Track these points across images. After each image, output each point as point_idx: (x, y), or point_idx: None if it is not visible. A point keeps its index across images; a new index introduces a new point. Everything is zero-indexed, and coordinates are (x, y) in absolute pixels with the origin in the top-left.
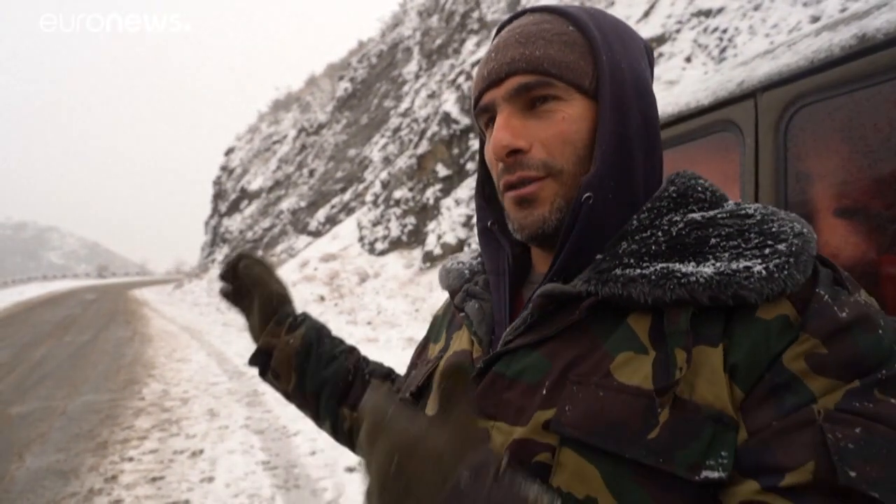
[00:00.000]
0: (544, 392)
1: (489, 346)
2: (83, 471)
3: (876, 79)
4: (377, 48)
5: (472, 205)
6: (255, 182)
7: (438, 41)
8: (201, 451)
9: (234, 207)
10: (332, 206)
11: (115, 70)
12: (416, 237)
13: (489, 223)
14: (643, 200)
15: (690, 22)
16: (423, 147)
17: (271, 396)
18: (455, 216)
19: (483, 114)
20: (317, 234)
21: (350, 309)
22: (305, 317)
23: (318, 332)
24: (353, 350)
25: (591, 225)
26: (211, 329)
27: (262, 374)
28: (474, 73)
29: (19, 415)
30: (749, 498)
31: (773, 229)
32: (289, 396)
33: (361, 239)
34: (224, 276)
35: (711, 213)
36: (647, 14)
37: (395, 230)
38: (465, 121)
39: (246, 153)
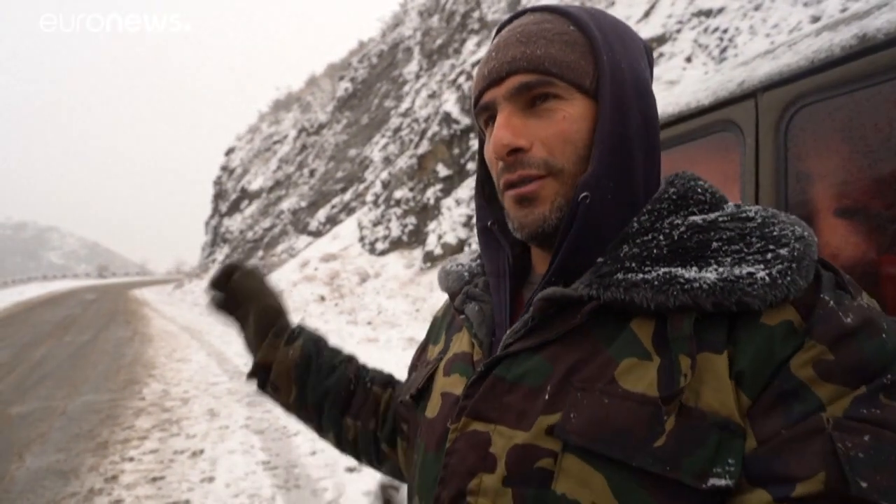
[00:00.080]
0: (547, 397)
1: (489, 349)
2: (83, 471)
3: (876, 79)
4: (378, 48)
5: (473, 205)
6: (256, 182)
7: (439, 41)
8: (202, 451)
9: (234, 207)
10: (333, 206)
11: (115, 70)
12: (416, 237)
13: (489, 223)
14: (643, 201)
15: (691, 22)
16: (424, 147)
17: None
18: (455, 216)
19: (483, 112)
20: (317, 234)
21: (350, 309)
22: (302, 328)
23: (317, 344)
24: (351, 359)
25: (588, 225)
26: (211, 329)
27: (262, 388)
28: (475, 72)
29: (19, 415)
30: None
31: (775, 233)
32: (289, 409)
33: (362, 239)
34: (216, 285)
35: (713, 216)
36: (647, 14)
37: (395, 230)
38: (466, 121)
39: (246, 153)
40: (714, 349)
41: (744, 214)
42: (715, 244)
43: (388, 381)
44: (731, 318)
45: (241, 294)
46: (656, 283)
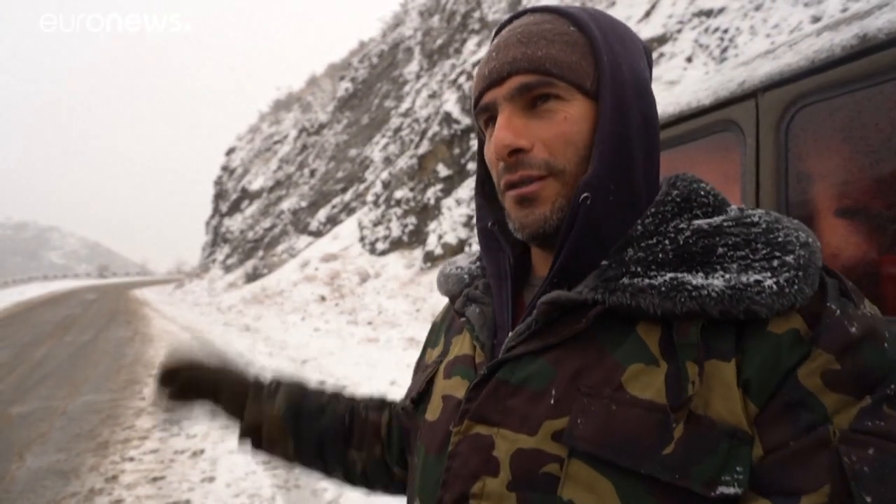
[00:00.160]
0: (552, 401)
1: (492, 352)
2: (84, 471)
3: (877, 79)
4: (378, 48)
5: (473, 205)
6: (256, 182)
7: (439, 41)
8: (202, 451)
9: (234, 207)
10: (333, 206)
11: (115, 70)
12: (416, 237)
13: (490, 223)
14: (644, 201)
15: (691, 22)
16: (424, 147)
17: None
18: (456, 216)
19: (483, 113)
20: (318, 234)
21: (351, 309)
22: (279, 381)
23: (300, 389)
24: (338, 395)
25: (589, 225)
26: (212, 329)
27: (257, 447)
28: (475, 72)
29: (20, 415)
30: None
31: (780, 239)
32: (291, 459)
33: (362, 239)
34: (164, 382)
35: (717, 220)
36: (648, 14)
37: (395, 230)
38: (466, 121)
39: (247, 153)
40: (723, 357)
41: (748, 219)
42: (720, 250)
43: (382, 404)
44: (738, 326)
45: (196, 384)
46: (663, 289)
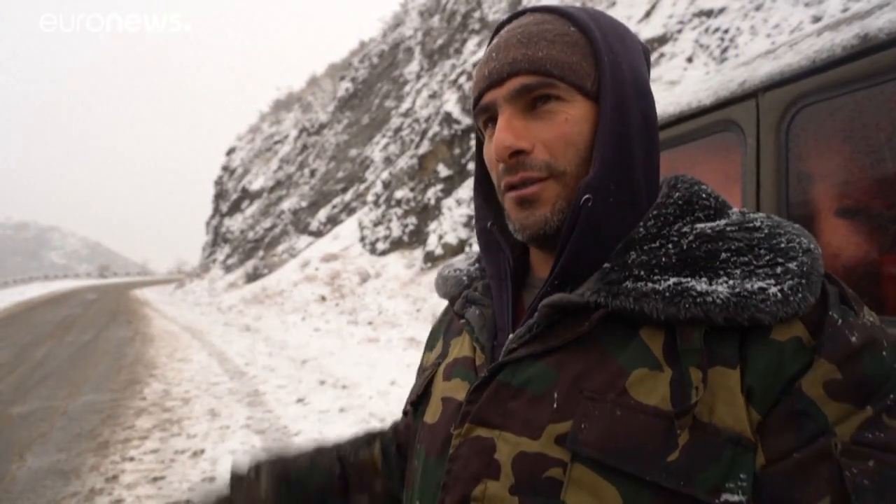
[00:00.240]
0: (555, 405)
1: (492, 353)
2: (84, 470)
3: (878, 79)
4: (378, 48)
5: (473, 205)
6: (257, 182)
7: (440, 41)
8: (202, 451)
9: (235, 207)
10: (334, 206)
11: (115, 70)
12: (417, 237)
13: (489, 224)
14: (644, 200)
15: (692, 22)
16: (425, 147)
17: (272, 396)
18: (456, 216)
19: (483, 113)
20: (318, 234)
21: (351, 309)
22: (258, 465)
23: (279, 462)
24: (321, 449)
25: (590, 227)
26: (212, 329)
27: None
28: (475, 72)
29: (20, 415)
30: None
31: (782, 245)
32: None
33: (363, 239)
34: None
35: (720, 224)
36: (648, 14)
37: (396, 230)
38: (467, 121)
39: (247, 153)
40: (728, 364)
41: (750, 224)
42: (724, 255)
43: (370, 438)
44: (741, 333)
45: None
46: (667, 294)
